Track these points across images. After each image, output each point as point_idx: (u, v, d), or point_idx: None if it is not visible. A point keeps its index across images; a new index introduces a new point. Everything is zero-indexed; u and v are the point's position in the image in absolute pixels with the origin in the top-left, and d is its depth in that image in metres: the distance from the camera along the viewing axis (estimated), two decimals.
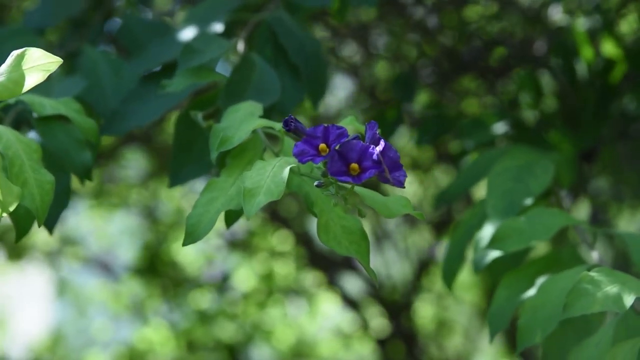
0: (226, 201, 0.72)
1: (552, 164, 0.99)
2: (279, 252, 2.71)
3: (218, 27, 0.98)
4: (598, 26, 1.30)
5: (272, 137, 0.79)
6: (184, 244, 0.71)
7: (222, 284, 2.85)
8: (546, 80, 1.43)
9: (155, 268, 2.76)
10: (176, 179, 0.90)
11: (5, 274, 3.34)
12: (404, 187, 0.66)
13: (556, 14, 1.40)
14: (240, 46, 0.95)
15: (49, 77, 1.05)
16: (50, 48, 1.08)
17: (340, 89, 2.10)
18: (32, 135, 0.86)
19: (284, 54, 0.97)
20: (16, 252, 2.71)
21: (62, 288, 3.46)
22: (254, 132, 0.77)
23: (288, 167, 0.67)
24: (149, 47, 1.00)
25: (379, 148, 0.65)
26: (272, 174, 0.67)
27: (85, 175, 0.85)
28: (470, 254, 1.03)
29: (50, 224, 0.89)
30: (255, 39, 0.99)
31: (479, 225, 1.00)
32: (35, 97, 0.82)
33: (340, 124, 0.72)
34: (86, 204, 2.73)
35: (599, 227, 2.14)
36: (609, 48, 1.28)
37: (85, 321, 3.48)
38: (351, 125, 0.73)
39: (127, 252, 3.08)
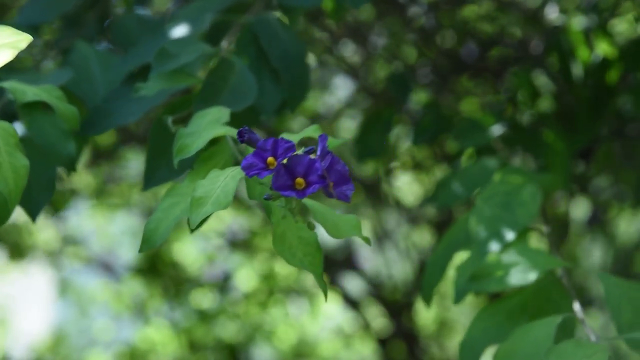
0: (186, 208, 0.71)
1: (540, 190, 0.98)
2: None
3: (203, 28, 0.99)
4: (594, 25, 1.29)
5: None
6: (140, 251, 0.71)
7: (223, 284, 2.86)
8: (543, 80, 1.43)
9: (157, 268, 2.76)
10: (149, 182, 0.90)
11: (7, 273, 3.34)
12: (349, 202, 0.66)
13: (552, 13, 1.39)
14: (223, 48, 0.95)
15: (39, 69, 1.06)
16: (45, 45, 1.09)
17: (340, 89, 2.10)
18: (17, 126, 0.86)
19: (267, 57, 0.96)
20: (18, 252, 2.72)
21: (64, 288, 3.46)
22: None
23: (239, 178, 0.66)
24: (138, 45, 1.00)
25: (325, 162, 0.65)
26: (224, 184, 0.66)
27: (70, 166, 0.86)
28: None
29: (34, 212, 0.89)
30: (239, 40, 0.98)
31: (463, 243, 1.00)
32: (17, 84, 0.82)
33: (303, 133, 0.73)
34: (87, 204, 2.73)
35: (598, 228, 2.15)
36: (604, 47, 1.27)
37: (87, 321, 3.49)
38: (314, 134, 0.73)
39: (128, 252, 3.09)
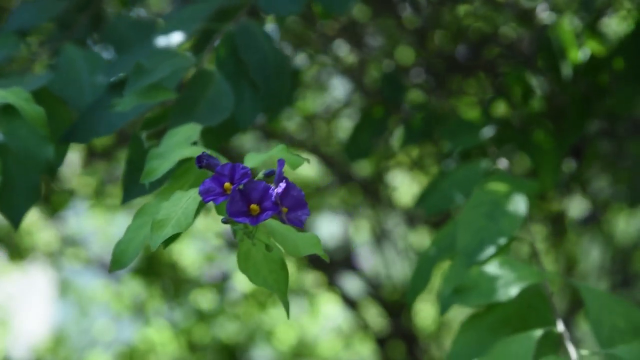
0: None
1: (526, 199, 0.98)
2: None
3: (190, 37, 0.98)
4: (584, 24, 1.29)
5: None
6: (110, 271, 0.72)
7: (222, 285, 2.86)
8: (536, 80, 1.43)
9: (156, 269, 2.77)
10: (128, 196, 0.91)
11: (7, 274, 3.35)
12: (303, 227, 0.66)
13: (543, 12, 1.39)
14: (203, 59, 0.95)
15: (31, 70, 1.06)
16: (33, 49, 1.09)
17: (337, 89, 2.10)
18: None
19: (246, 69, 0.96)
20: (18, 253, 2.72)
21: (64, 288, 3.46)
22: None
23: (199, 200, 0.66)
24: (128, 51, 1.00)
25: (280, 188, 0.65)
26: (185, 205, 0.67)
27: (49, 171, 0.85)
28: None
29: (15, 218, 0.89)
30: (219, 50, 0.98)
31: (448, 249, 1.00)
32: None
33: (271, 152, 0.73)
34: (87, 205, 2.74)
35: (597, 227, 2.14)
36: (594, 46, 1.27)
37: (87, 321, 3.49)
38: (282, 154, 0.73)
39: None
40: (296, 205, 0.66)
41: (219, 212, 0.71)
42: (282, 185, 0.65)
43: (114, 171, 2.47)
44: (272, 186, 0.66)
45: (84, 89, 0.95)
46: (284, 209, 0.65)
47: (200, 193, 0.66)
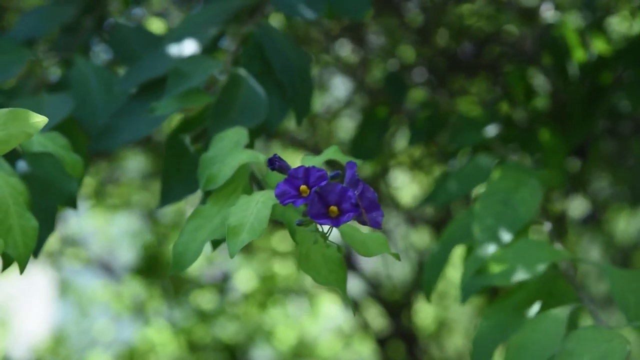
0: (212, 230, 0.73)
1: (541, 186, 0.99)
2: (279, 252, 2.72)
3: (207, 43, 0.98)
4: (589, 23, 1.30)
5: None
6: (171, 273, 0.72)
7: (222, 285, 2.86)
8: (539, 79, 1.43)
9: (156, 269, 2.77)
10: (167, 199, 0.91)
11: (7, 274, 3.34)
12: (381, 228, 0.67)
13: (547, 11, 1.40)
14: (229, 63, 0.95)
15: (40, 88, 1.05)
16: (41, 57, 1.08)
17: (338, 89, 2.10)
18: (21, 164, 0.86)
19: (271, 70, 0.96)
20: None
21: (64, 289, 3.47)
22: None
23: (271, 204, 0.68)
24: (140, 61, 0.99)
25: (357, 190, 0.66)
26: (256, 210, 0.68)
27: (71, 204, 0.86)
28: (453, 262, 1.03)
29: (35, 250, 0.88)
30: (244, 52, 0.98)
31: (461, 239, 1.00)
32: None
33: (324, 154, 0.74)
34: (87, 205, 2.74)
35: (597, 227, 2.15)
36: (599, 45, 1.28)
37: (87, 321, 3.49)
38: (334, 155, 0.74)
39: (128, 253, 3.09)
40: (371, 207, 0.67)
41: (276, 216, 0.71)
42: (360, 186, 0.66)
43: (114, 171, 2.48)
44: (350, 189, 0.66)
45: (97, 110, 0.95)
46: (363, 211, 0.66)
47: (277, 196, 0.67)
